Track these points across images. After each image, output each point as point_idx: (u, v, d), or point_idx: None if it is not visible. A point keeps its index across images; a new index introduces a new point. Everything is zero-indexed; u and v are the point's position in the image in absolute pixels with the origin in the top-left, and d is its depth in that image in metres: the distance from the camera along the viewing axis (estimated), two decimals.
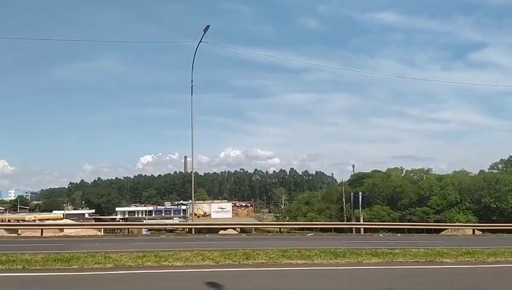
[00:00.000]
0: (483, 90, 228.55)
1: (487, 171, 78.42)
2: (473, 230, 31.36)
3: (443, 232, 32.06)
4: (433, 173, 79.71)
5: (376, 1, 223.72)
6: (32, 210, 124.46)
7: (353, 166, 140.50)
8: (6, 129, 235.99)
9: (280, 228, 33.31)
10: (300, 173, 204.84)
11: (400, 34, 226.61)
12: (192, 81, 30.19)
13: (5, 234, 27.50)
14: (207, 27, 28.47)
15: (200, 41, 29.13)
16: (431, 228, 34.51)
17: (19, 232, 28.72)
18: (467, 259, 12.81)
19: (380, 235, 27.97)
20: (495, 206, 60.47)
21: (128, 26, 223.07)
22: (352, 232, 31.90)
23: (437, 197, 65.75)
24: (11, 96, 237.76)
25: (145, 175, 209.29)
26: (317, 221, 56.07)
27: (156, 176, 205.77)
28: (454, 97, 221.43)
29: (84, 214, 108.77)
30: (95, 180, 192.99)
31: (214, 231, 30.39)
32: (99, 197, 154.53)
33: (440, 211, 63.70)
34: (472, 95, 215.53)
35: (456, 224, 41.78)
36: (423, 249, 14.33)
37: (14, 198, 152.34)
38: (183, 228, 33.47)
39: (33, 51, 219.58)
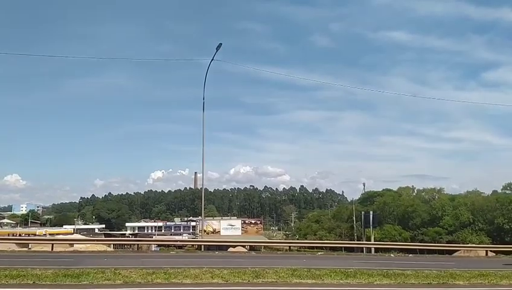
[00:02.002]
0: (497, 109, 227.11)
1: (500, 191, 77.31)
2: (486, 251, 30.85)
3: (456, 254, 31.60)
4: (445, 192, 78.87)
5: (388, 20, 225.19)
6: (43, 224, 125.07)
7: (364, 184, 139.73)
8: (18, 144, 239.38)
9: (290, 246, 33.03)
10: (310, 191, 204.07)
11: (412, 53, 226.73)
12: (204, 99, 30.41)
13: (16, 248, 27.68)
14: (219, 45, 28.81)
15: (212, 60, 29.45)
16: (443, 249, 34.01)
17: (30, 247, 28.89)
18: (480, 281, 12.61)
19: (392, 255, 27.64)
20: (508, 227, 59.51)
21: (141, 43, 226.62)
22: (362, 251, 31.57)
23: (449, 218, 64.88)
24: (22, 111, 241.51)
25: (155, 191, 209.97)
26: (327, 240, 55.60)
27: (166, 191, 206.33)
28: (467, 116, 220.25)
29: (94, 229, 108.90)
30: (105, 195, 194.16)
31: (223, 248, 30.28)
32: (110, 213, 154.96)
33: (452, 231, 62.79)
34: (485, 115, 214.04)
35: (469, 245, 41.12)
36: (435, 271, 14.14)
37: (25, 212, 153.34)
38: (193, 245, 33.39)
39: (46, 66, 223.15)
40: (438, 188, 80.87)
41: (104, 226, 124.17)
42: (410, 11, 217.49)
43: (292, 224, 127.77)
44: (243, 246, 31.53)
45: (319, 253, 29.57)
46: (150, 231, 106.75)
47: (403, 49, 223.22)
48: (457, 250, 33.13)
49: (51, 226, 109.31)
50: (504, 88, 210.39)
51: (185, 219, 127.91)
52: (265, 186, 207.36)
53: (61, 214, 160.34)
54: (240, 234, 62.99)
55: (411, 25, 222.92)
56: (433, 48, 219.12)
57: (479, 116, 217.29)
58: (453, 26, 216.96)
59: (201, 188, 36.31)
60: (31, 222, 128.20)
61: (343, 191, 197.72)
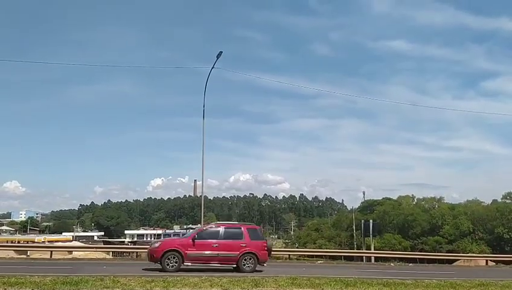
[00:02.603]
0: (497, 119, 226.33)
1: (500, 201, 77.16)
2: (486, 261, 30.77)
3: (456, 263, 31.49)
4: (445, 201, 78.77)
5: (388, 29, 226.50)
6: (42, 231, 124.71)
7: (363, 193, 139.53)
8: (18, 150, 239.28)
9: (289, 255, 32.95)
10: (310, 199, 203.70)
11: (412, 62, 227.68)
12: (204, 106, 30.41)
13: (15, 255, 27.58)
14: (220, 53, 28.84)
15: (213, 67, 29.48)
16: (443, 258, 33.90)
17: (28, 254, 28.79)
18: None
19: (391, 264, 27.55)
20: (508, 236, 59.38)
21: (142, 50, 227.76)
22: (362, 260, 31.50)
23: (449, 227, 64.75)
24: (22, 118, 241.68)
25: (155, 198, 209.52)
26: (326, 248, 55.39)
27: (165, 199, 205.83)
28: (467, 125, 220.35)
29: (93, 236, 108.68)
30: (105, 202, 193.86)
31: None
32: (109, 220, 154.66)
33: (453, 241, 62.63)
34: (485, 124, 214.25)
35: (469, 255, 40.99)
36: (435, 280, 14.10)
37: (24, 219, 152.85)
38: None
39: (46, 72, 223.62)
40: (438, 197, 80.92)
41: (103, 233, 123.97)
42: (410, 21, 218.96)
43: (292, 232, 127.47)
44: None
45: (319, 262, 29.47)
46: (149, 239, 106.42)
47: (402, 58, 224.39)
48: (458, 259, 33.00)
49: (50, 233, 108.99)
50: (503, 97, 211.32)
51: (185, 226, 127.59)
52: (265, 194, 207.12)
53: (60, 221, 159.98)
54: None
55: (411, 34, 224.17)
56: (433, 57, 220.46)
57: (479, 125, 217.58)
58: (452, 36, 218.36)
59: (200, 196, 36.24)
60: (30, 229, 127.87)
61: (342, 200, 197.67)
